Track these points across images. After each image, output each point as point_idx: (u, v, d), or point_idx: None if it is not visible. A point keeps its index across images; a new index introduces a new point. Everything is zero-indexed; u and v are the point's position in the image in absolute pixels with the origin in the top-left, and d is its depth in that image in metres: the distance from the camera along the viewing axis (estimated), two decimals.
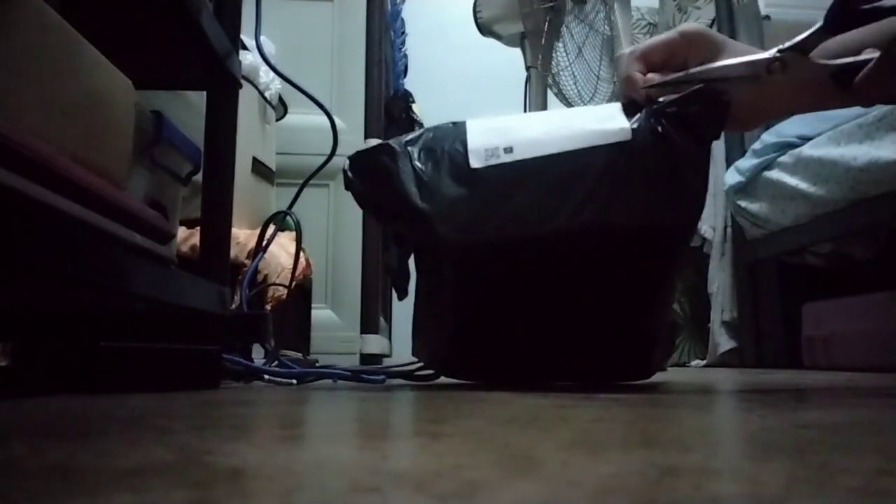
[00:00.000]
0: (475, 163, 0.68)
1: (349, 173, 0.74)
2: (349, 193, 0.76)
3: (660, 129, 0.65)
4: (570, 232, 0.65)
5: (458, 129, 0.71)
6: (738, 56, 0.64)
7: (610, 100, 1.57)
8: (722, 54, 0.65)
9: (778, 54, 0.62)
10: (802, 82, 0.63)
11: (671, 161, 0.65)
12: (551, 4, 1.39)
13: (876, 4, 0.57)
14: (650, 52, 0.68)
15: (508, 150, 0.67)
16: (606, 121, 0.67)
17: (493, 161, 0.67)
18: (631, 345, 0.71)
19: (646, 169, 0.65)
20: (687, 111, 0.66)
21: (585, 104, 1.53)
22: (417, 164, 0.70)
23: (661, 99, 0.67)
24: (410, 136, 0.73)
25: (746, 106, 0.66)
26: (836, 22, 0.59)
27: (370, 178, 0.73)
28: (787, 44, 0.62)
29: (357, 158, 0.76)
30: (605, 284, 0.67)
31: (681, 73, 0.65)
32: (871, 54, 0.58)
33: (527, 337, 0.70)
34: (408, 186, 0.69)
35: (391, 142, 0.73)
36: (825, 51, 0.62)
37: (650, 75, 0.67)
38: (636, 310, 0.69)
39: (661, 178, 0.65)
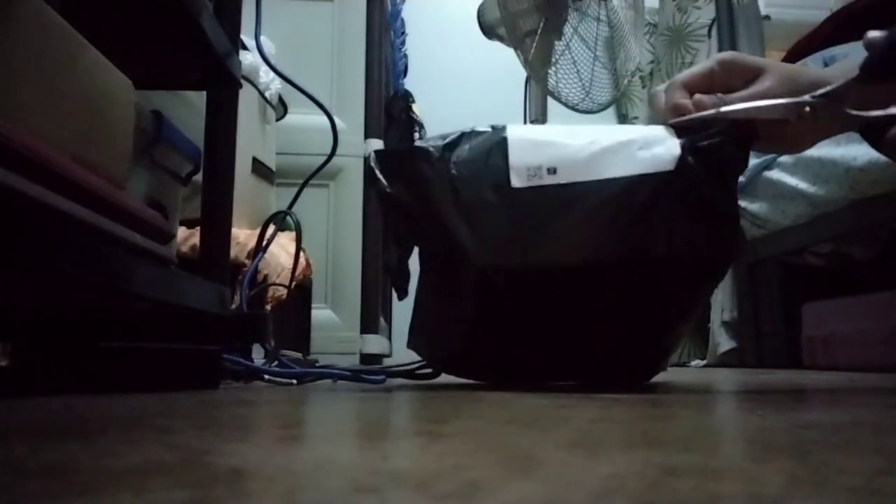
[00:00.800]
0: (517, 182, 0.65)
1: (378, 172, 0.70)
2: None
3: (692, 163, 0.64)
4: (608, 262, 0.64)
5: (499, 139, 0.68)
6: (780, 77, 0.63)
7: (610, 87, 1.57)
8: (762, 77, 0.64)
9: (811, 100, 0.61)
10: (836, 122, 0.63)
11: (704, 195, 0.64)
12: (534, 3, 1.39)
13: None
14: (690, 82, 0.67)
15: (552, 170, 0.65)
16: (656, 146, 0.65)
17: (536, 182, 0.64)
18: (648, 357, 0.72)
19: (684, 202, 0.64)
20: (713, 146, 0.65)
21: (587, 91, 1.52)
22: (455, 174, 0.67)
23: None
24: (448, 138, 0.69)
25: (783, 136, 0.67)
26: (875, 73, 0.57)
27: (403, 182, 0.69)
28: (821, 91, 0.60)
29: (389, 158, 0.72)
30: (633, 307, 0.66)
31: (711, 111, 0.64)
32: None
33: (544, 345, 0.69)
34: (443, 199, 0.66)
35: (429, 145, 0.69)
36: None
37: (697, 97, 0.66)
38: (660, 330, 0.70)
39: (696, 212, 0.64)
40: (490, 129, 0.69)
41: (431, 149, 0.68)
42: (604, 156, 0.65)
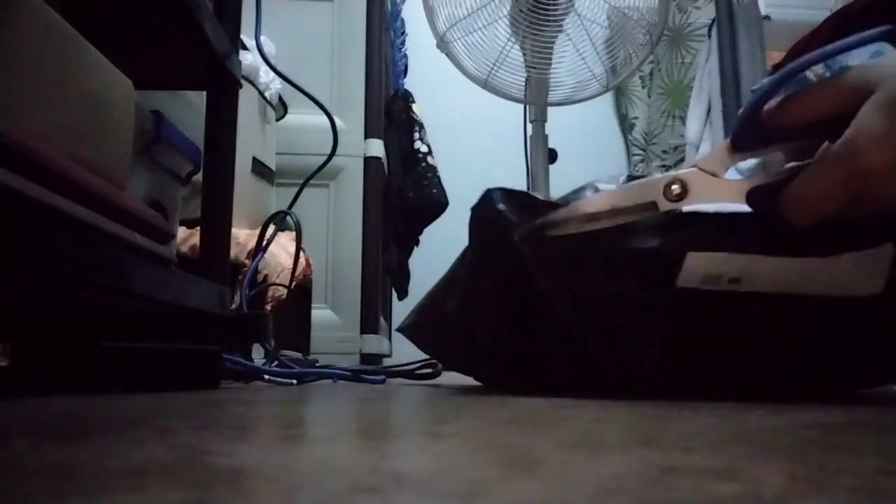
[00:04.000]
0: (683, 282, 0.52)
1: (507, 215, 0.56)
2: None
3: None
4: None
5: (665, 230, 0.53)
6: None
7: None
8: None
9: (673, 176, 0.51)
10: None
11: None
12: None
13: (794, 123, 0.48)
14: None
15: (735, 280, 0.52)
16: (862, 261, 0.51)
17: (707, 286, 0.52)
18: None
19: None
20: None
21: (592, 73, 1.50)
22: (604, 247, 0.54)
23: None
24: (590, 227, 0.52)
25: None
26: (745, 140, 0.50)
27: (535, 239, 0.55)
28: (689, 166, 0.52)
29: (525, 204, 0.57)
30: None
31: (560, 213, 0.53)
32: (789, 164, 0.49)
33: None
34: (580, 278, 0.55)
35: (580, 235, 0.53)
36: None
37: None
38: None
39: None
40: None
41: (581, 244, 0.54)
42: (795, 267, 0.51)
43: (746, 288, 0.53)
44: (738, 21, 2.35)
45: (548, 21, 1.41)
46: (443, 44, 1.51)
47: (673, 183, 0.51)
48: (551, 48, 1.45)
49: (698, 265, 0.52)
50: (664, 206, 0.51)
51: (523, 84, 1.51)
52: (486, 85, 1.52)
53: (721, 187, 0.51)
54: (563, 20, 1.43)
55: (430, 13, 1.50)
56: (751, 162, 0.54)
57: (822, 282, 0.52)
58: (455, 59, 1.53)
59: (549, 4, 1.40)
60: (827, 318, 0.54)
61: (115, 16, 0.69)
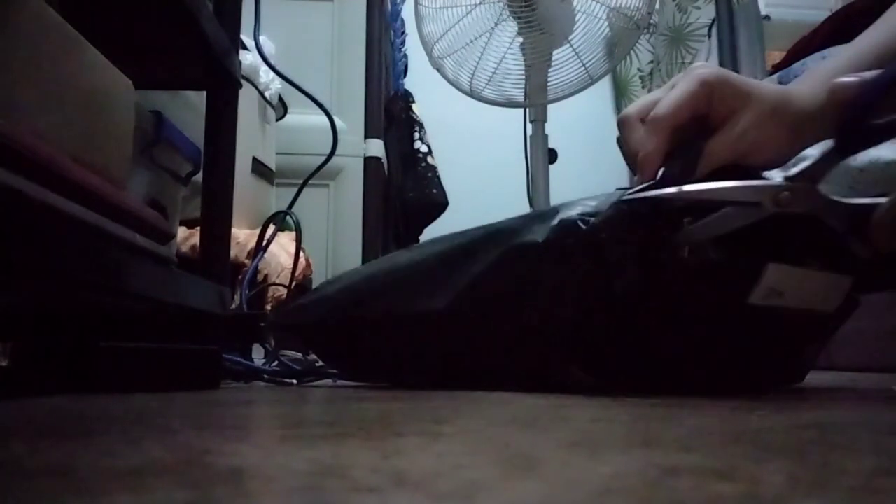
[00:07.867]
0: (756, 298, 0.55)
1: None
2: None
3: None
4: None
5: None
6: (761, 112, 0.54)
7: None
8: (747, 105, 0.54)
9: (785, 182, 0.53)
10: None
11: None
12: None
13: (890, 119, 0.49)
14: (677, 116, 0.54)
15: (779, 294, 0.56)
16: (831, 283, 0.61)
17: (770, 302, 0.56)
18: None
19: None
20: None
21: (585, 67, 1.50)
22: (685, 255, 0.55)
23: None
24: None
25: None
26: (848, 143, 0.53)
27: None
28: (795, 170, 0.54)
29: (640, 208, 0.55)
30: None
31: (672, 190, 0.53)
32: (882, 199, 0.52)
33: None
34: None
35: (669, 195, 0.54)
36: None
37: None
38: None
39: None
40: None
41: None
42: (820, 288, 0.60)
43: (783, 302, 0.56)
44: (738, 21, 2.35)
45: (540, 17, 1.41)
46: (433, 59, 1.53)
47: (783, 191, 0.53)
48: (549, 49, 1.45)
49: (774, 277, 0.55)
50: (769, 209, 0.53)
51: (521, 88, 1.51)
52: (480, 97, 1.53)
53: (822, 201, 0.54)
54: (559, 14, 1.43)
55: (424, 42, 1.52)
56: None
57: (812, 294, 0.58)
58: (446, 75, 1.55)
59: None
60: (788, 328, 0.60)
61: (115, 16, 0.69)
